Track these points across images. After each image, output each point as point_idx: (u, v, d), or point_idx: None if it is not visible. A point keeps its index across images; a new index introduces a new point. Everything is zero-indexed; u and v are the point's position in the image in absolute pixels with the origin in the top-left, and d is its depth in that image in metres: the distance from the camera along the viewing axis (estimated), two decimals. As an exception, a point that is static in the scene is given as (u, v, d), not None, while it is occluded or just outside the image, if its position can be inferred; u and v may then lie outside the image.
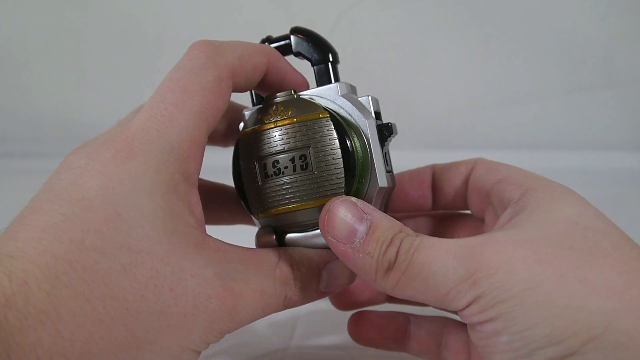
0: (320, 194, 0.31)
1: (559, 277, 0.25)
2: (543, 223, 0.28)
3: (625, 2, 0.89)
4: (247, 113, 0.35)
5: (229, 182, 0.39)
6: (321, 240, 0.32)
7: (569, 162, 0.87)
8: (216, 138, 0.38)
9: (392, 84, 0.94)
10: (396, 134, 0.33)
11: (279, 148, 0.31)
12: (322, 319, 0.45)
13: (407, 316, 0.37)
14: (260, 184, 0.32)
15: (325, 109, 0.32)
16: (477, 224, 0.38)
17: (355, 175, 0.31)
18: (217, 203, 0.38)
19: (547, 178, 0.32)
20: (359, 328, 0.38)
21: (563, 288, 0.25)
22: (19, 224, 0.25)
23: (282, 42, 0.36)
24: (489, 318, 0.26)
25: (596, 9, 0.89)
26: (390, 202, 0.39)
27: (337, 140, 0.31)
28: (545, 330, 0.25)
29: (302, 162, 0.31)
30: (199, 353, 0.28)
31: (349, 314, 0.39)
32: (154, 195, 0.26)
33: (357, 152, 0.32)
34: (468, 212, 0.39)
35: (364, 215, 0.29)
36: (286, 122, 0.31)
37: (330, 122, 0.31)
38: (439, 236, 0.29)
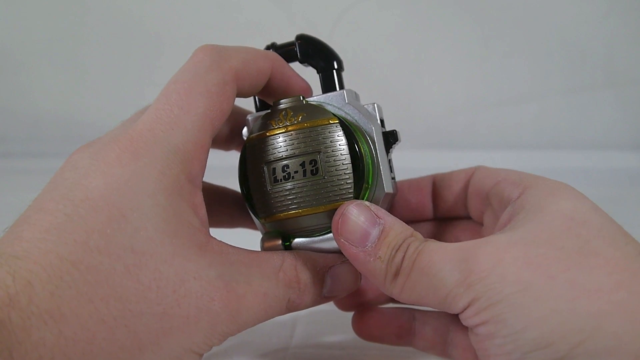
0: (329, 199, 0.31)
1: (548, 279, 0.26)
2: (538, 222, 0.28)
3: (625, 2, 0.89)
4: (251, 118, 0.35)
5: (229, 184, 0.39)
6: (327, 245, 0.32)
7: (569, 162, 0.87)
8: (219, 141, 0.38)
9: (392, 84, 0.94)
10: (400, 141, 0.34)
11: (289, 153, 0.31)
12: (322, 319, 0.45)
13: (412, 313, 0.37)
14: (268, 188, 0.32)
15: (335, 115, 0.32)
16: (478, 228, 0.38)
17: (364, 181, 0.32)
18: (218, 205, 0.38)
19: (543, 176, 0.32)
20: (362, 324, 0.38)
21: (552, 290, 0.25)
22: (24, 223, 0.25)
23: (287, 49, 0.36)
24: (483, 321, 0.26)
25: (596, 9, 0.89)
26: (391, 209, 0.39)
27: (346, 146, 0.31)
28: (533, 334, 0.25)
29: (312, 167, 0.31)
30: (201, 355, 0.28)
31: (349, 314, 0.39)
32: (158, 196, 0.26)
33: (365, 158, 0.32)
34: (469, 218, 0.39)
35: (377, 219, 0.29)
36: (297, 127, 0.31)
37: (340, 128, 0.31)
38: (442, 240, 0.30)
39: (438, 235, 0.40)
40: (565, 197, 0.29)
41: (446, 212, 0.40)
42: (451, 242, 0.29)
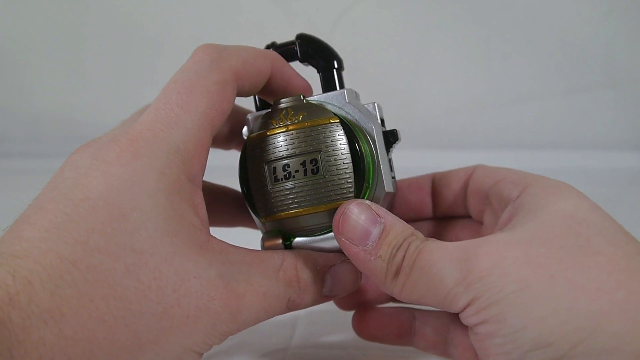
0: (330, 198, 0.31)
1: (548, 278, 0.26)
2: (538, 221, 0.28)
3: (625, 2, 0.89)
4: (251, 117, 0.35)
5: (228, 183, 0.39)
6: (328, 245, 0.32)
7: (569, 162, 0.87)
8: (218, 140, 0.38)
9: (392, 84, 0.94)
10: (400, 140, 0.34)
11: (290, 152, 0.31)
12: (322, 319, 0.45)
13: (412, 312, 0.37)
14: (269, 187, 0.32)
15: (335, 115, 0.32)
16: (478, 227, 0.38)
17: (364, 180, 0.32)
18: (218, 205, 0.38)
19: (543, 176, 0.32)
20: (363, 324, 0.38)
21: (552, 289, 0.25)
22: (24, 222, 0.25)
23: (287, 48, 0.36)
24: (483, 320, 0.26)
25: (596, 9, 0.89)
26: (392, 208, 0.39)
27: (347, 145, 0.31)
28: (533, 333, 0.25)
29: (313, 166, 0.31)
30: (201, 354, 0.28)
31: (350, 314, 0.39)
32: (158, 196, 0.26)
33: (366, 157, 0.32)
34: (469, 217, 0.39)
35: (378, 218, 0.29)
36: (297, 126, 0.31)
37: (341, 127, 0.31)
38: (442, 239, 0.30)
39: (438, 234, 0.40)
40: (565, 196, 0.29)
41: (445, 211, 0.40)
42: (451, 241, 0.29)
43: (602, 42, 0.90)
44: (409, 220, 0.41)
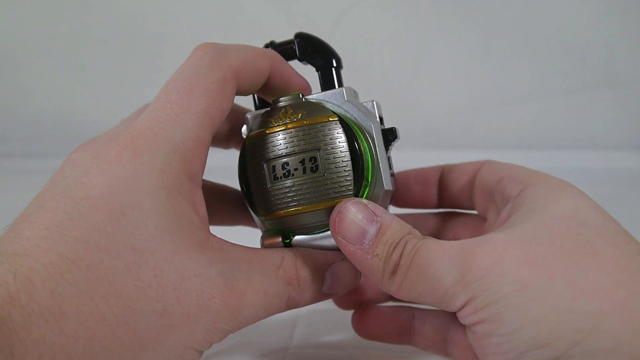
0: (329, 196, 0.31)
1: (546, 278, 0.26)
2: (537, 220, 0.28)
3: (625, 2, 0.89)
4: (250, 116, 0.35)
5: (229, 182, 0.39)
6: (327, 242, 0.32)
7: (569, 162, 0.87)
8: (218, 139, 0.38)
9: (392, 84, 0.95)
10: (399, 138, 0.34)
11: (289, 150, 0.31)
12: (322, 319, 0.45)
13: (411, 311, 0.37)
14: (268, 186, 0.32)
15: (334, 113, 0.32)
16: (480, 223, 0.38)
17: (363, 178, 0.32)
18: (218, 203, 0.38)
19: (547, 174, 0.32)
20: (362, 323, 0.38)
21: (550, 290, 0.25)
22: (24, 221, 0.25)
23: (286, 47, 0.36)
24: (481, 319, 0.26)
25: (596, 9, 0.89)
26: (395, 196, 0.39)
27: (346, 143, 0.31)
28: (531, 333, 0.25)
29: (312, 164, 0.31)
30: (201, 353, 0.28)
31: (349, 313, 0.39)
32: (158, 194, 0.26)
33: (365, 156, 0.32)
34: (474, 211, 0.39)
35: (375, 217, 0.29)
36: (296, 124, 0.31)
37: (340, 125, 0.31)
38: (442, 235, 0.30)
39: (439, 229, 0.40)
40: (566, 196, 0.29)
41: (451, 203, 0.40)
42: (450, 238, 0.29)
43: (602, 42, 0.91)
44: (413, 210, 0.41)
